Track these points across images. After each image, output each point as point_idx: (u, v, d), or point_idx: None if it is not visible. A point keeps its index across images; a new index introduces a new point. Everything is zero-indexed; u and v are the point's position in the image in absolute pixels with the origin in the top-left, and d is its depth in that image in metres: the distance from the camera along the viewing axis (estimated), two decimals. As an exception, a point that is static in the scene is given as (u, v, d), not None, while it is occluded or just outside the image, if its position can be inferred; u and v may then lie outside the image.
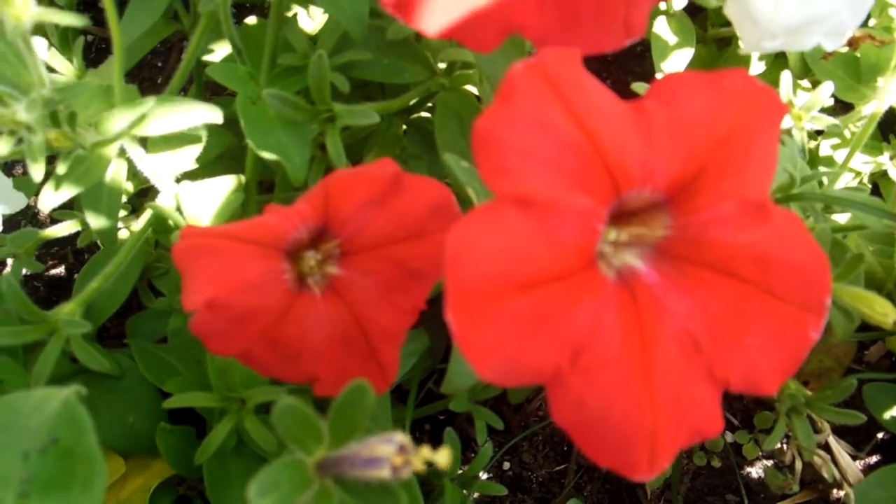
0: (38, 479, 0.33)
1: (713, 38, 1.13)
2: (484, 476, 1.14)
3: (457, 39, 0.50)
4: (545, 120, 0.44)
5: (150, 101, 0.73)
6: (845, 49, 0.99)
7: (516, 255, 0.43)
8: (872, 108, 0.91)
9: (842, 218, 0.93)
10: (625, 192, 0.47)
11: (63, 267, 1.23)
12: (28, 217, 1.24)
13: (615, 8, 0.50)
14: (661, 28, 1.03)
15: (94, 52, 1.34)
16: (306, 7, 0.91)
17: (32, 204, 1.02)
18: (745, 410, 1.22)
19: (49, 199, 0.75)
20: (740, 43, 0.65)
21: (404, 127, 1.00)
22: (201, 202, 0.82)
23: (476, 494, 1.11)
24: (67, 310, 0.73)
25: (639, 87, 0.87)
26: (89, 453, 0.34)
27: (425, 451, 0.42)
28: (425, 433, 1.17)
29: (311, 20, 0.95)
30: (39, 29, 0.95)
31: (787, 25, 0.61)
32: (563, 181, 0.44)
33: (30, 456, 0.33)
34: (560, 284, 0.44)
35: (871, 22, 0.96)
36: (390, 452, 0.42)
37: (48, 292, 1.21)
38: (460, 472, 0.98)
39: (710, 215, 0.49)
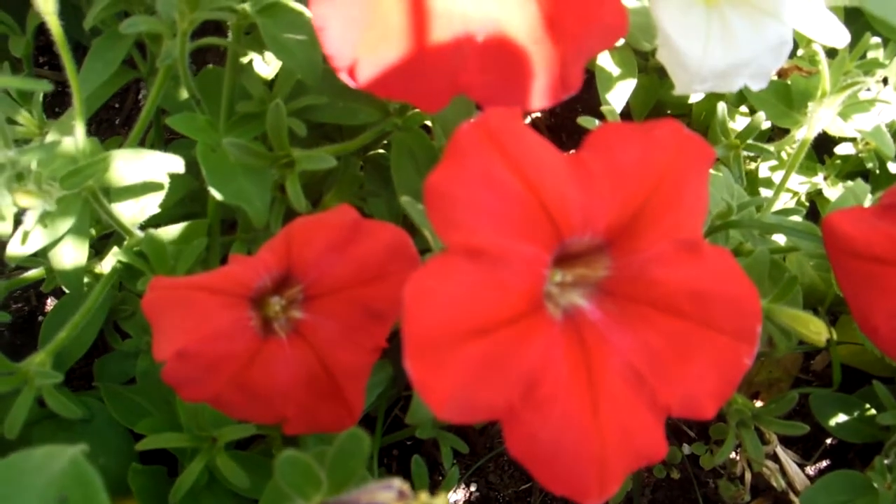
0: (51, 537, 0.35)
1: (654, 67, 1.18)
2: (452, 498, 1.17)
3: (407, 101, 0.54)
4: (490, 176, 0.48)
5: (114, 154, 0.75)
6: (776, 78, 1.04)
7: (469, 303, 0.46)
8: (804, 133, 0.96)
9: (781, 238, 0.98)
10: (567, 238, 0.50)
11: (27, 309, 1.24)
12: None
13: (552, 68, 0.54)
14: (605, 61, 1.07)
15: (51, 95, 1.35)
16: (261, 53, 0.94)
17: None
18: (700, 423, 1.26)
19: (16, 252, 0.77)
20: (674, 84, 0.69)
21: (361, 164, 1.03)
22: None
23: (445, 518, 1.13)
24: (38, 360, 0.75)
25: (585, 121, 0.91)
26: (101, 511, 0.36)
27: (424, 496, 0.45)
28: (393, 459, 1.20)
29: (267, 65, 0.97)
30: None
31: (714, 70, 0.66)
32: (509, 232, 0.48)
33: (40, 515, 0.35)
34: (511, 328, 0.48)
35: (799, 52, 1.01)
36: (390, 499, 0.44)
37: (12, 336, 1.22)
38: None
39: (648, 255, 0.53)
